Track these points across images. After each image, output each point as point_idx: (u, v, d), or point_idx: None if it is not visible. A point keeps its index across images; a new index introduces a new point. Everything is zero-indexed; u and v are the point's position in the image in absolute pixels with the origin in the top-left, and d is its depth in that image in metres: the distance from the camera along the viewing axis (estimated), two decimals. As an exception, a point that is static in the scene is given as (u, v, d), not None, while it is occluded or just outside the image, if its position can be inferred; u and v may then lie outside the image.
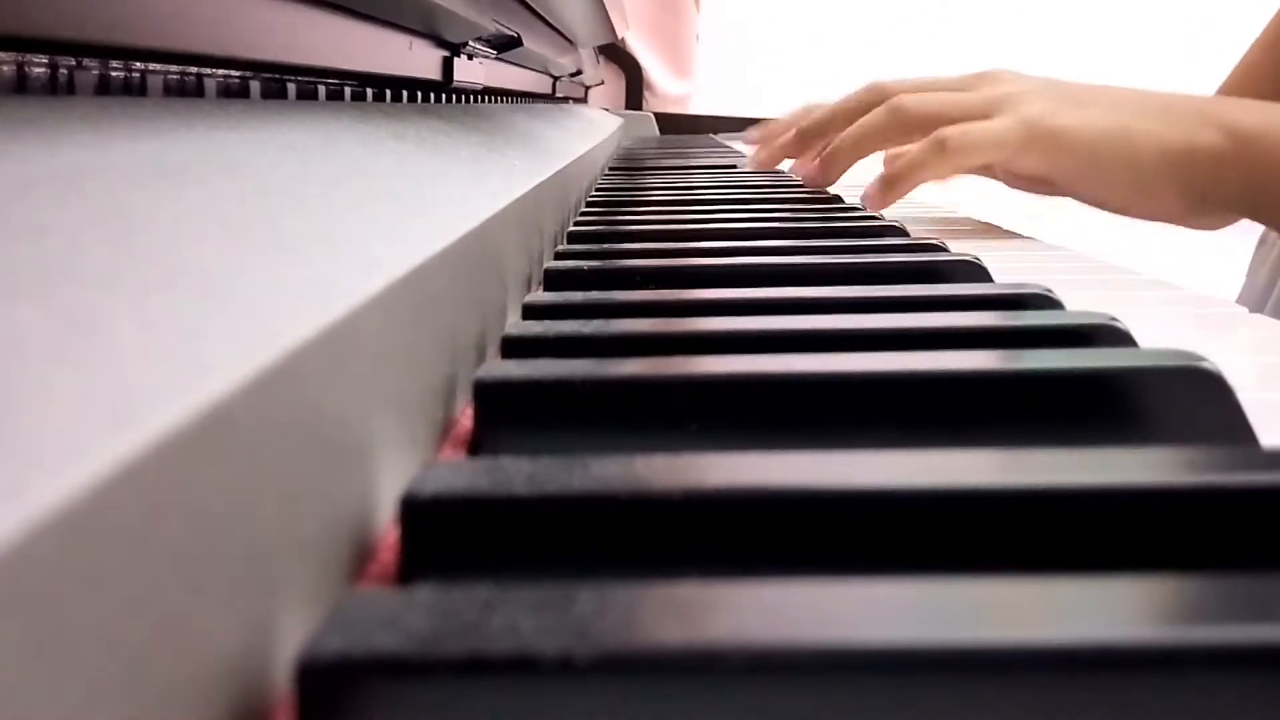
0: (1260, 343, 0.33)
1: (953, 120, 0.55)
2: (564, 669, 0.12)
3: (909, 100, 0.57)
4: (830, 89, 0.88)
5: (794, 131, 0.69)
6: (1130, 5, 2.87)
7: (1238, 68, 0.95)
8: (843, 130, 0.60)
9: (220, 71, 0.31)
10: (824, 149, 0.64)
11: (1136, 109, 0.55)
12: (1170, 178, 0.55)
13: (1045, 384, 0.22)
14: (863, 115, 0.59)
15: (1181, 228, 0.62)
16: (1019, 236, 0.61)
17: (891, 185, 0.55)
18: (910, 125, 0.57)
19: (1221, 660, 0.12)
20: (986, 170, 0.59)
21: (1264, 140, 0.54)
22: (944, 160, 0.54)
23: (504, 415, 0.22)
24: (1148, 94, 0.57)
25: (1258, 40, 0.92)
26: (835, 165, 0.61)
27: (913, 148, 0.55)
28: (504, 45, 0.71)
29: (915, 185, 0.55)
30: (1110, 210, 0.62)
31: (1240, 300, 0.83)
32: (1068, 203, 0.67)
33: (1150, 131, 0.54)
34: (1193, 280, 0.45)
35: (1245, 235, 0.83)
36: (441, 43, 0.58)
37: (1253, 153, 0.54)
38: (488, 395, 0.22)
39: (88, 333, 0.12)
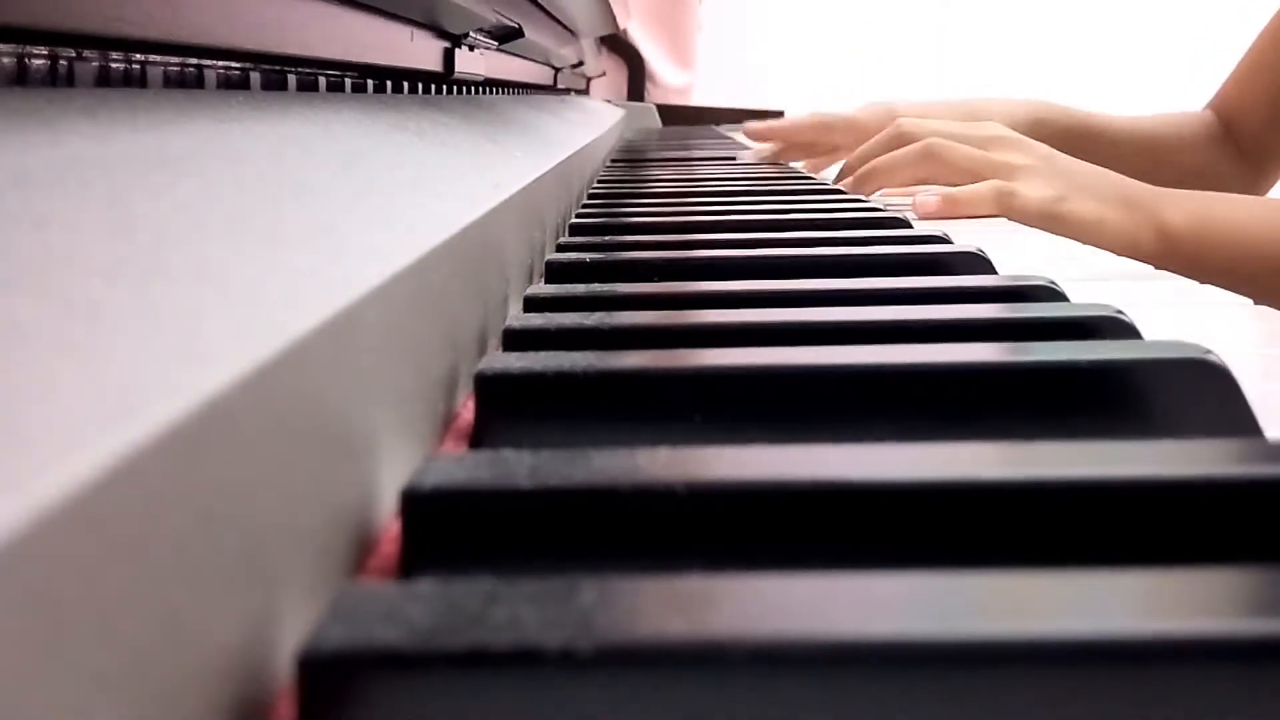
0: (1265, 335, 0.33)
1: (976, 173, 0.65)
2: (567, 662, 0.11)
3: (941, 145, 0.67)
4: (832, 81, 0.88)
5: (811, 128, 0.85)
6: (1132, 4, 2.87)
7: (1235, 70, 0.96)
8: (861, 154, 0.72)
9: (220, 63, 0.31)
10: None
11: (1110, 198, 0.65)
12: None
13: (1050, 376, 0.22)
14: (887, 148, 0.70)
15: None
16: (1010, 225, 0.62)
17: (953, 205, 0.64)
18: (938, 167, 0.67)
19: (1227, 654, 0.12)
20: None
21: (1186, 243, 0.64)
22: (994, 206, 0.63)
23: (506, 408, 0.22)
24: (1117, 184, 0.67)
25: (1255, 43, 0.93)
26: (866, 188, 0.70)
27: (978, 185, 0.64)
28: (505, 36, 0.71)
29: (970, 214, 0.65)
30: None
31: None
32: None
33: (1115, 225, 0.64)
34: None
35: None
36: (442, 34, 0.57)
37: (1179, 254, 0.63)
38: (489, 388, 0.22)
39: (88, 324, 0.12)
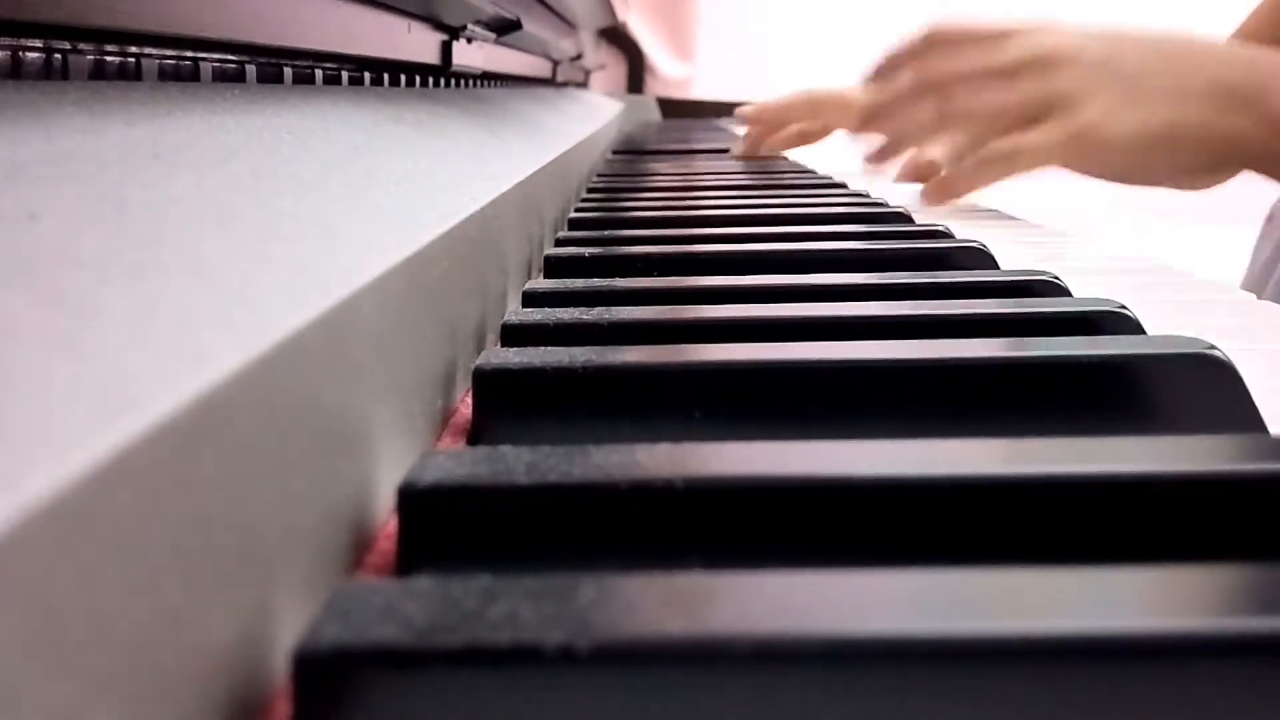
0: (1270, 329, 0.33)
1: (1003, 120, 0.56)
2: (565, 659, 0.11)
3: (961, 101, 0.58)
4: (833, 74, 0.88)
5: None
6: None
7: (1255, 12, 0.93)
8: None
9: (215, 56, 0.31)
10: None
11: (1186, 91, 0.54)
12: (1205, 165, 0.57)
13: (1055, 372, 0.21)
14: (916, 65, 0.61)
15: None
16: (1012, 218, 0.61)
17: (949, 190, 0.60)
18: (960, 123, 0.59)
19: (1232, 651, 0.12)
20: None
21: None
22: (993, 174, 0.58)
23: (504, 403, 0.21)
24: (1199, 65, 0.55)
25: None
26: (889, 157, 0.65)
27: (968, 161, 0.59)
28: (503, 28, 0.71)
29: (969, 192, 0.60)
30: (1120, 184, 0.63)
31: (1245, 278, 0.83)
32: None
33: (1196, 125, 0.54)
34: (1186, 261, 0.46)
35: (1244, 225, 0.82)
36: (440, 25, 0.57)
37: None
38: (487, 383, 0.22)
39: (83, 319, 0.12)
